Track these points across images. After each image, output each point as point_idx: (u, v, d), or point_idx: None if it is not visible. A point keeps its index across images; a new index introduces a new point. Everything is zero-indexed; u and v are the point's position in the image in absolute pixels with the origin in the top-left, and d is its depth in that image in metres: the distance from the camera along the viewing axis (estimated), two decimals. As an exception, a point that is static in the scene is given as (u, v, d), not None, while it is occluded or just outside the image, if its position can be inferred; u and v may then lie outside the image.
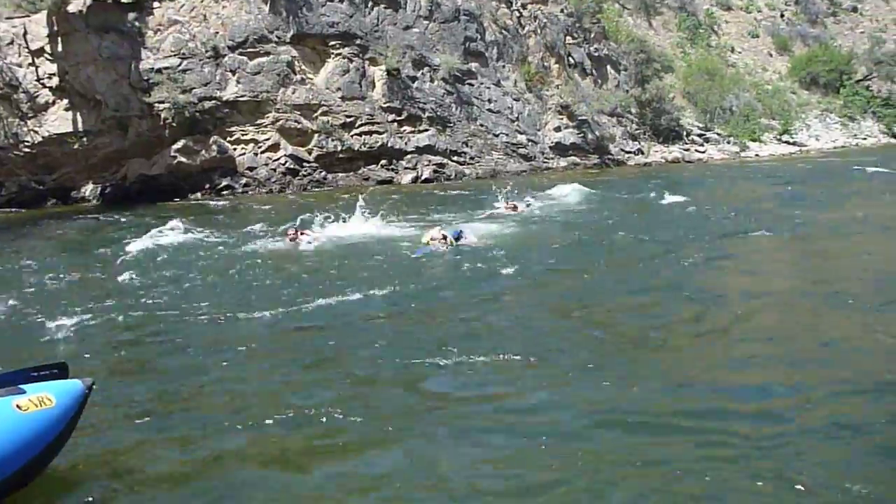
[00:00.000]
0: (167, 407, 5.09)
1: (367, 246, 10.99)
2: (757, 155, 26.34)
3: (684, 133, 25.92)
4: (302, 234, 11.97)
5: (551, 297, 8.13)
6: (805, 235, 11.29)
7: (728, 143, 26.57)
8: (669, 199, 15.16)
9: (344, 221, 12.19)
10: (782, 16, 35.81)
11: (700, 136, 26.43)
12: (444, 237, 11.04)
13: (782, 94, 30.63)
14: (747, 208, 13.99)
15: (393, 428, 4.61)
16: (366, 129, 19.46)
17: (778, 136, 28.11)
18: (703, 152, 25.66)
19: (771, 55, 33.76)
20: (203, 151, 17.73)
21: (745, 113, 27.70)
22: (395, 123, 20.02)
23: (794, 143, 28.21)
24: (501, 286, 8.37)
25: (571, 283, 8.70)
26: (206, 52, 17.63)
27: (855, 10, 38.84)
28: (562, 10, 24.70)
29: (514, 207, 15.48)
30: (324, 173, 19.03)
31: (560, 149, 22.93)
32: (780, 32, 34.62)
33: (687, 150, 25.28)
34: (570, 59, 24.62)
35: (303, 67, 18.97)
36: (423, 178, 19.76)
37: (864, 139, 30.32)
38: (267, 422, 4.68)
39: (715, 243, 10.57)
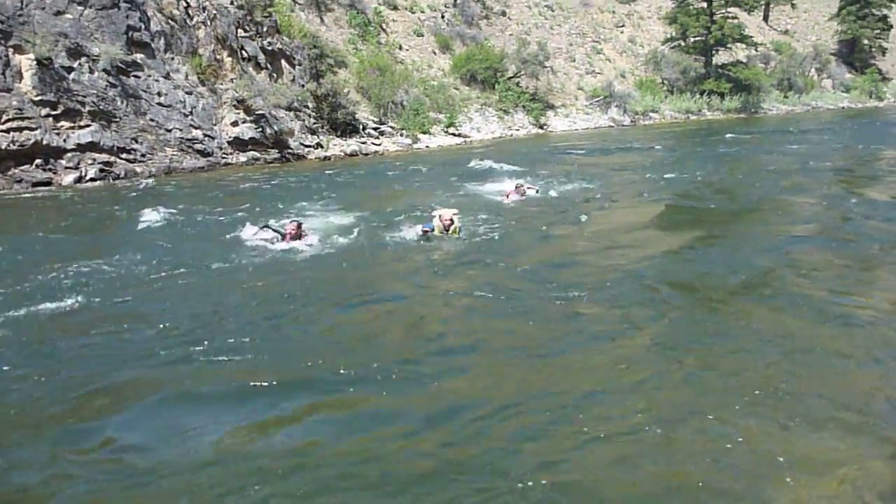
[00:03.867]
0: None
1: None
2: (428, 146, 28.19)
3: (361, 127, 26.89)
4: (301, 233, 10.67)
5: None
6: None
7: (401, 135, 28.08)
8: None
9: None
10: (443, 17, 38.62)
11: (375, 129, 27.61)
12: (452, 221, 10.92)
13: (447, 89, 33.08)
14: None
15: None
16: (14, 124, 17.39)
17: (445, 129, 30.31)
18: (380, 145, 26.85)
19: (435, 53, 36.25)
20: None
21: (414, 107, 29.46)
22: (51, 118, 18.18)
23: (459, 135, 30.62)
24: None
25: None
26: None
27: (504, 13, 43.19)
28: (232, 2, 24.21)
29: (524, 193, 14.61)
30: (-38, 176, 16.74)
31: (239, 144, 22.53)
32: (442, 32, 37.32)
33: (364, 143, 26.28)
34: (244, 52, 24.25)
35: (-72, 55, 16.46)
36: (87, 177, 18.20)
37: (518, 130, 33.86)
38: None
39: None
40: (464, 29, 38.82)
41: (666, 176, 18.26)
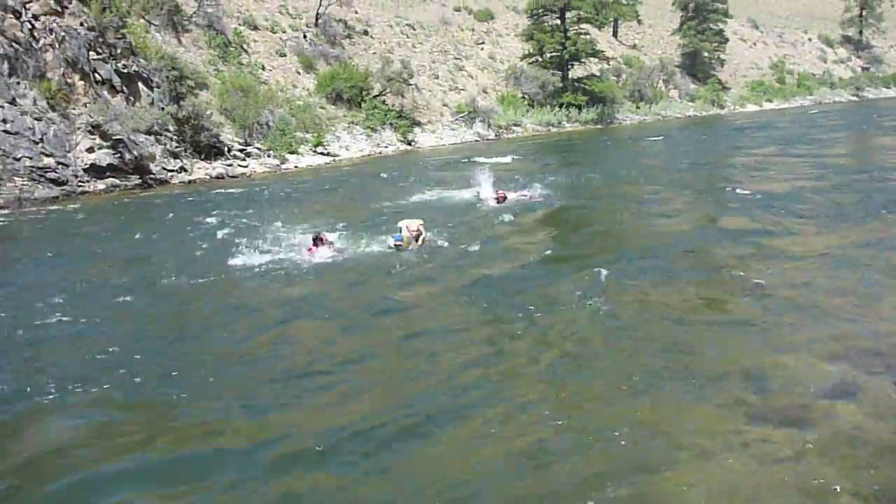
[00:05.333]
0: None
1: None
2: (296, 166, 27.97)
3: (226, 149, 26.36)
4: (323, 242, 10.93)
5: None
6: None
7: (268, 156, 27.72)
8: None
9: None
10: (305, 37, 38.46)
11: (241, 150, 27.13)
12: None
13: (313, 108, 32.94)
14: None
15: None
16: None
17: (313, 148, 30.16)
18: (246, 166, 26.41)
19: (299, 73, 36.03)
20: None
21: (280, 127, 29.16)
22: None
23: (328, 154, 30.55)
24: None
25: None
26: None
27: (366, 33, 43.49)
28: (81, 24, 23.22)
29: (503, 198, 14.46)
30: None
31: (96, 170, 21.61)
32: (305, 52, 37.15)
33: (230, 165, 25.77)
34: (97, 75, 23.30)
35: None
36: (-73, 212, 16.97)
37: (386, 147, 34.12)
38: None
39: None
40: (327, 48, 38.80)
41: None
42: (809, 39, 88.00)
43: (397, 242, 11.04)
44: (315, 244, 11.14)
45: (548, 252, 10.89)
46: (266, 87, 32.49)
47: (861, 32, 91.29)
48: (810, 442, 5.02)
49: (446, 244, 11.56)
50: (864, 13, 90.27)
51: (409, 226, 11.17)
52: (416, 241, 11.07)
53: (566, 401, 5.90)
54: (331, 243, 11.36)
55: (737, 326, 7.42)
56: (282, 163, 27.75)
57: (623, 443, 5.14)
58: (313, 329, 8.05)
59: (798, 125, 38.63)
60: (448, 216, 14.22)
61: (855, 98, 75.40)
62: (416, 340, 7.48)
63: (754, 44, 79.60)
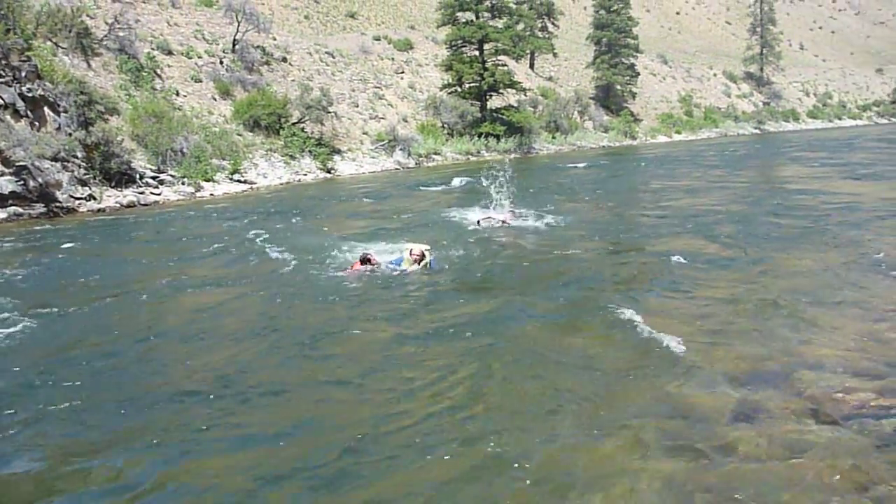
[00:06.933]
0: None
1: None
2: (212, 194, 27.33)
3: (137, 176, 25.55)
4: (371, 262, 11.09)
5: None
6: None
7: (183, 183, 27.01)
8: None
9: None
10: (221, 62, 37.88)
11: (154, 178, 26.35)
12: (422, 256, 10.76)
13: (229, 135, 32.35)
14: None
15: None
16: None
17: (230, 176, 29.57)
18: (159, 194, 25.64)
19: (215, 99, 35.40)
20: None
21: (195, 154, 28.50)
22: None
23: (245, 181, 29.99)
24: None
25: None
26: None
27: (285, 59, 43.19)
28: (-18, 46, 22.24)
29: (503, 221, 15.00)
30: None
31: (-3, 198, 20.58)
32: (222, 78, 36.56)
33: (142, 193, 24.97)
34: (0, 99, 22.29)
35: None
36: None
37: (306, 175, 33.76)
38: None
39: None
40: (244, 75, 38.31)
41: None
42: (715, 75, 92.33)
43: (398, 265, 11.06)
44: (363, 263, 11.25)
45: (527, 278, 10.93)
46: (180, 112, 31.76)
47: (762, 69, 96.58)
48: (712, 472, 5.11)
49: (446, 267, 11.65)
50: (764, 51, 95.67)
51: (414, 249, 11.11)
52: (419, 264, 10.99)
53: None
54: (377, 263, 11.42)
55: (647, 355, 7.54)
56: (197, 190, 27.07)
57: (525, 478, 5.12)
58: (255, 354, 7.78)
59: (710, 155, 40.24)
60: (448, 239, 14.36)
61: (757, 131, 79.31)
62: (343, 368, 7.33)
63: (664, 78, 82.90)
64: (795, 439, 5.48)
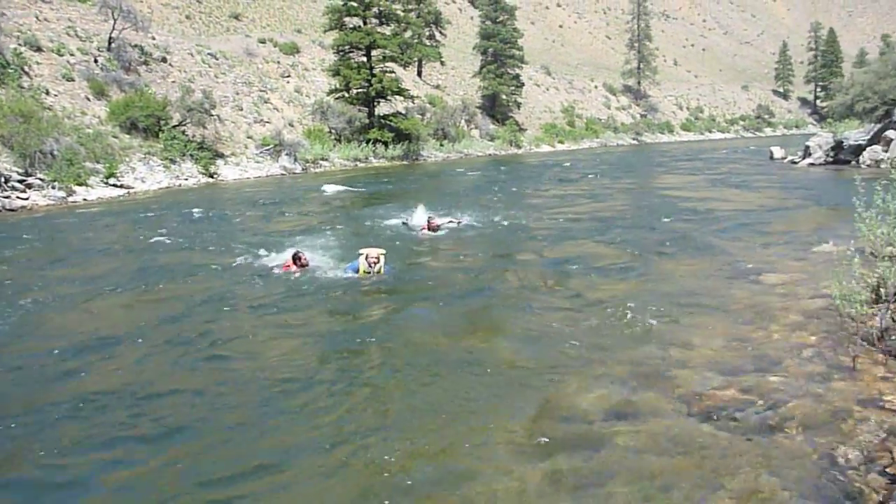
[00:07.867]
0: None
1: None
2: (86, 199, 26.06)
3: (3, 179, 24.03)
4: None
5: None
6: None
7: (53, 188, 25.59)
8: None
9: None
10: (96, 61, 36.16)
11: (21, 181, 24.84)
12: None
13: (104, 137, 30.91)
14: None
15: None
16: None
17: (104, 180, 28.27)
18: (27, 199, 24.21)
19: (89, 99, 33.75)
20: None
21: (67, 157, 27.04)
22: None
23: (121, 186, 28.75)
24: None
25: None
26: None
27: (165, 60, 41.67)
28: None
29: (437, 227, 14.51)
30: None
31: None
32: (96, 77, 34.90)
33: (7, 197, 23.50)
34: None
35: None
36: None
37: (187, 180, 32.68)
38: None
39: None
40: (121, 74, 36.71)
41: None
42: (596, 87, 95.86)
43: (352, 271, 11.06)
44: (295, 262, 11.31)
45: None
46: (51, 112, 30.09)
47: (639, 83, 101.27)
48: (590, 465, 5.33)
49: (395, 272, 11.70)
50: (641, 66, 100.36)
51: (370, 254, 11.07)
52: (373, 268, 11.01)
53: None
54: (307, 263, 11.52)
55: (534, 349, 7.80)
56: (69, 195, 25.72)
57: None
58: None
59: (594, 164, 41.71)
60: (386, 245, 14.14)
61: (635, 142, 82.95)
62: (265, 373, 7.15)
63: (547, 89, 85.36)
64: (671, 434, 5.78)
